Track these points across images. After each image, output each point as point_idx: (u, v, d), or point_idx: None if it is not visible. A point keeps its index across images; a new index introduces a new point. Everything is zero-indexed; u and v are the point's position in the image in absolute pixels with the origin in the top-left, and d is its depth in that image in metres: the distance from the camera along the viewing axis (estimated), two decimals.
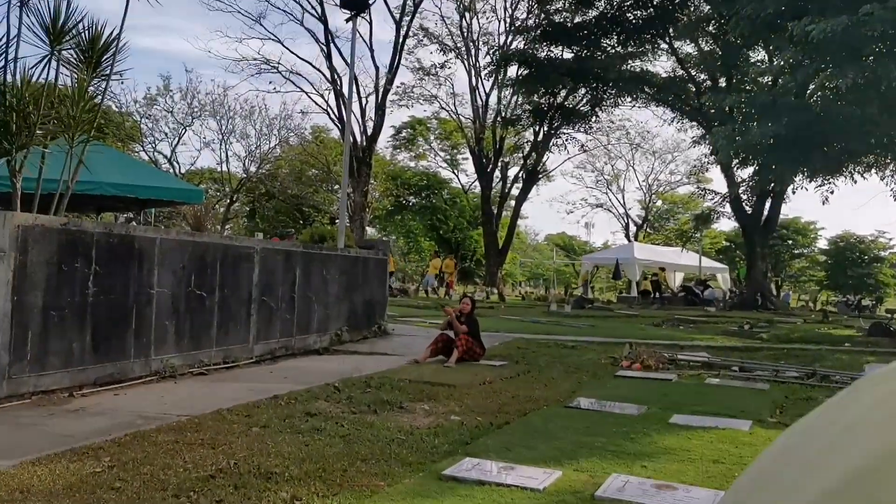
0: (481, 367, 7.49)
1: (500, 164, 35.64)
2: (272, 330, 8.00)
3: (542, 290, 43.88)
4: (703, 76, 25.27)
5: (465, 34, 32.00)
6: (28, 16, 5.79)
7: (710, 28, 22.94)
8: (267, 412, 4.91)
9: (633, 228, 51.09)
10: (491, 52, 30.94)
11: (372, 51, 43.29)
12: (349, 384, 6.07)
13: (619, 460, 3.88)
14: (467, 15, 31.51)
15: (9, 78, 5.69)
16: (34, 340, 5.33)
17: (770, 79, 20.60)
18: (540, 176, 36.82)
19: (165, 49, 57.88)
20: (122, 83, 39.76)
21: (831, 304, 30.64)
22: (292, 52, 56.74)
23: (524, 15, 30.17)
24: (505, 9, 31.55)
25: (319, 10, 28.03)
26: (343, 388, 5.87)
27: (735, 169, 22.50)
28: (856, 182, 18.33)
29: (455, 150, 47.87)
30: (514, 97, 31.81)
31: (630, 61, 26.60)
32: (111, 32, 6.21)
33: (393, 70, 27.48)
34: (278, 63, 31.41)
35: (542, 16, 27.49)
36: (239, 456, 3.77)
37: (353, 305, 9.88)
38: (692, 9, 23.49)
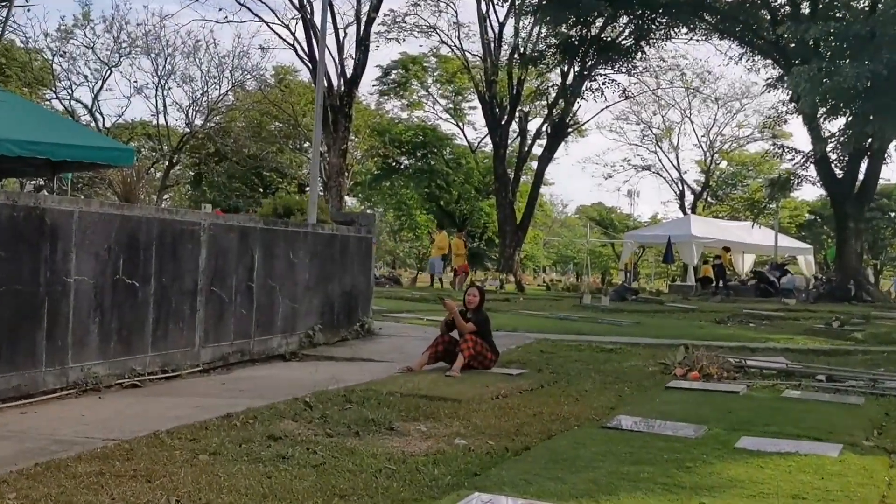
0: (493, 377, 7.50)
1: (517, 114, 35.41)
2: (224, 329, 8.01)
3: (571, 277, 43.83)
4: (780, 0, 25.17)
5: None
6: None
7: None
8: (218, 435, 4.91)
9: (689, 197, 50.94)
10: None
11: None
12: (324, 399, 6.08)
13: (672, 496, 3.87)
14: None
15: None
16: None
17: (867, 3, 20.24)
18: (569, 130, 36.65)
19: None
20: (29, 10, 39.73)
21: None
22: None
23: None
24: None
25: None
26: (316, 403, 5.88)
27: (821, 120, 22.28)
28: None
29: (460, 98, 47.52)
30: (537, 28, 31.40)
31: None
32: None
33: None
34: None
35: None
36: (182, 492, 3.76)
37: (328, 298, 9.90)
38: None
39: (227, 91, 37.04)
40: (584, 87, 31.08)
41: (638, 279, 33.37)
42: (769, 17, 24.89)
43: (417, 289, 22.74)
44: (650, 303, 20.31)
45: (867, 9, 19.46)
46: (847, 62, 15.59)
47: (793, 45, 21.34)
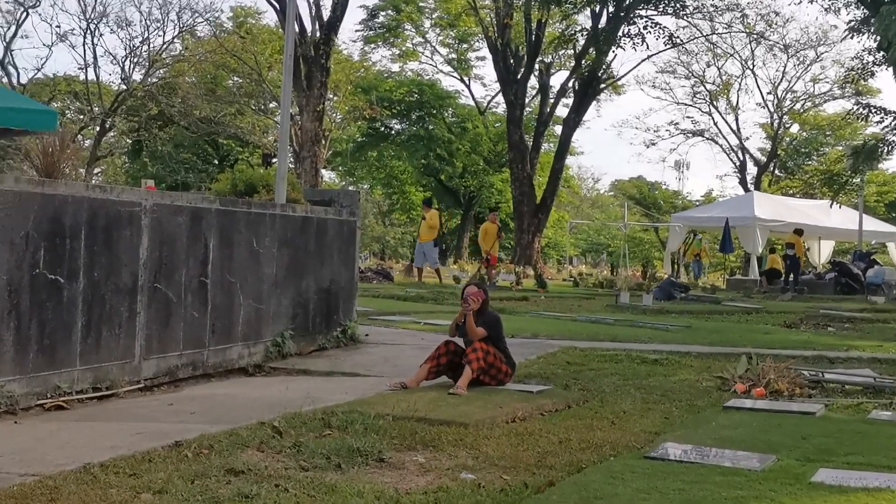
0: (509, 395, 7.50)
1: (537, 67, 35.27)
2: (172, 337, 8.01)
3: (605, 269, 43.74)
4: None
5: None
6: None
7: None
8: (164, 469, 4.90)
9: (752, 170, 50.93)
10: None
11: None
12: (297, 423, 6.07)
13: None
14: None
15: None
16: None
17: None
18: (602, 86, 36.46)
19: None
20: None
21: None
22: None
23: None
24: None
25: None
26: (287, 429, 5.88)
27: None
28: None
29: (465, 46, 47.32)
30: None
31: None
32: None
33: None
34: None
35: None
36: None
37: (301, 297, 9.93)
38: None
39: (173, 38, 37.08)
40: (620, 32, 30.86)
41: (688, 272, 33.33)
42: None
43: (412, 284, 22.75)
44: (704, 302, 20.32)
45: None
46: None
47: None
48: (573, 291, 25.03)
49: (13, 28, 33.96)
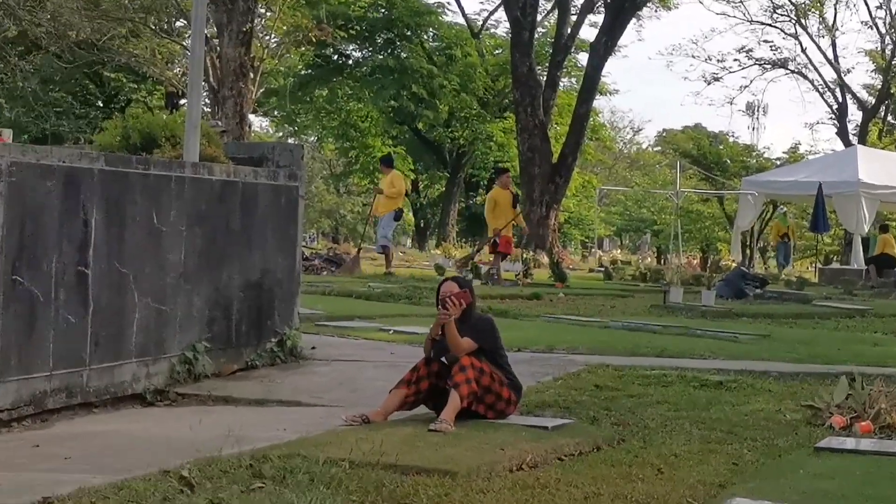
0: (513, 433, 7.47)
1: None
2: (37, 351, 7.96)
3: (648, 255, 43.45)
4: None
5: None
6: None
7: None
8: None
9: (854, 115, 50.94)
10: None
11: None
12: (215, 472, 6.05)
13: None
14: None
15: None
16: None
17: None
18: None
19: None
20: None
21: None
22: None
23: None
24: None
25: None
26: (201, 480, 5.86)
27: None
28: None
29: None
30: None
31: None
32: None
33: None
34: None
35: None
36: None
37: (221, 295, 9.99)
38: None
39: None
40: None
41: (765, 260, 33.39)
42: None
43: (375, 276, 22.70)
44: (787, 301, 20.45)
45: None
46: None
47: None
48: (604, 286, 24.99)
49: None
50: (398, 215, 24.73)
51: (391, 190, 23.79)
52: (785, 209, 35.90)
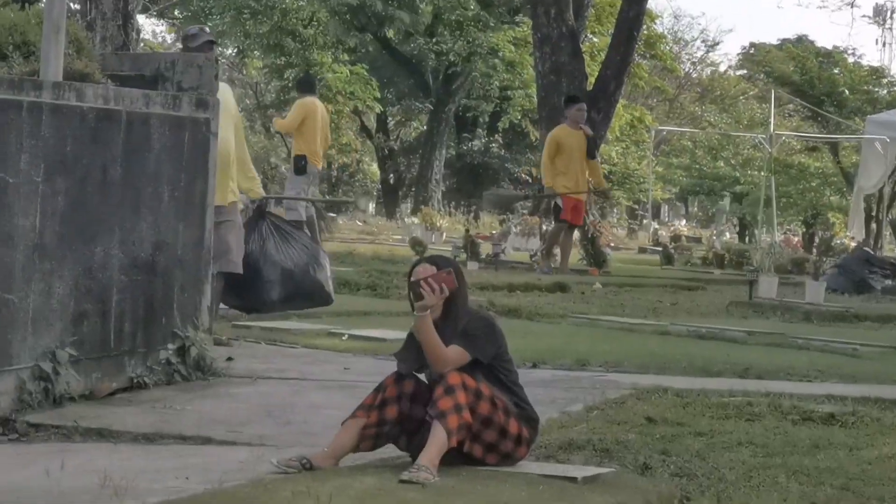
0: (524, 486, 7.02)
1: None
2: None
3: (726, 230, 43.58)
4: None
5: None
6: None
7: None
8: None
9: None
10: None
11: None
12: None
13: None
14: None
15: None
16: None
17: None
18: None
19: None
20: None
21: None
22: None
23: None
24: None
25: None
26: None
27: None
28: None
29: None
30: None
31: None
32: None
33: None
34: None
35: None
36: None
37: (93, 280, 9.66)
38: None
39: None
40: None
41: None
42: None
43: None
44: None
45: None
46: None
47: None
48: (661, 274, 25.39)
49: None
50: (300, 166, 23.45)
51: (280, 123, 24.08)
52: None
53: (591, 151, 22.68)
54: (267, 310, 13.44)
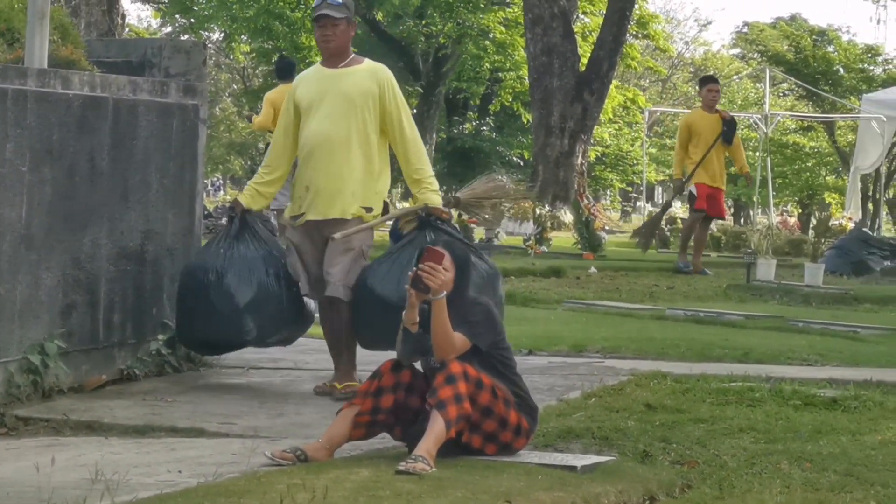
0: (524, 475, 7.04)
1: None
2: None
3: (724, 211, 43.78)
4: None
5: None
6: None
7: None
8: None
9: None
10: None
11: None
12: None
13: None
14: None
15: None
16: None
17: None
18: None
19: None
20: None
21: None
22: None
23: None
24: None
25: None
26: None
27: None
28: None
29: None
30: None
31: None
32: None
33: None
34: None
35: None
36: None
37: (82, 270, 9.83)
38: None
39: None
40: None
41: None
42: None
43: None
44: None
45: None
46: None
47: None
48: (657, 258, 25.55)
49: None
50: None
51: (256, 123, 23.55)
52: None
53: (728, 136, 21.48)
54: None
